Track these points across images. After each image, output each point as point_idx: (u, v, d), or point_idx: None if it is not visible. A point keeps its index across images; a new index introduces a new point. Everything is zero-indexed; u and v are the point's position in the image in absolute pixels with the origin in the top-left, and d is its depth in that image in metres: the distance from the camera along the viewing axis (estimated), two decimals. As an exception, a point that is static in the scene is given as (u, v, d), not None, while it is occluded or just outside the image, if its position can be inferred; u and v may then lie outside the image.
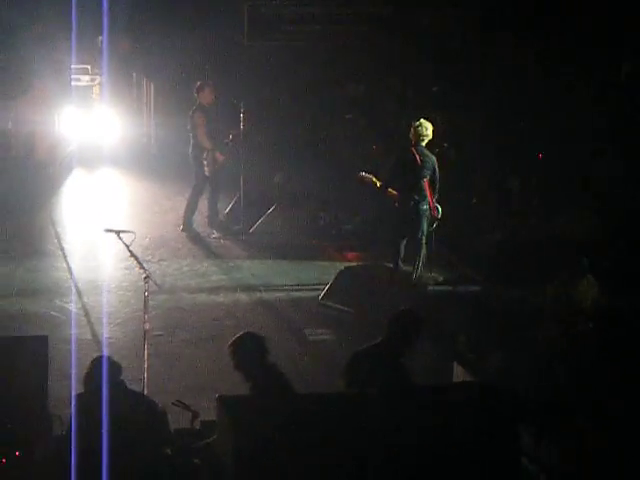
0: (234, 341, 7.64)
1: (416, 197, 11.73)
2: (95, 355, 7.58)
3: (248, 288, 12.32)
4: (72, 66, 16.94)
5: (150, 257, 12.89)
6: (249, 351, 7.53)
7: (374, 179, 11.92)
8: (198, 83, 14.11)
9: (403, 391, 7.06)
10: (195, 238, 14.01)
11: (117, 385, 7.20)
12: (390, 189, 11.85)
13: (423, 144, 11.83)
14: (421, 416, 6.56)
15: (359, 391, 7.27)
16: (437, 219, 11.86)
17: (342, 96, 16.24)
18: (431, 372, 9.23)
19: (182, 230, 14.08)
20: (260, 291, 12.25)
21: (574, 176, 13.17)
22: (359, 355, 7.53)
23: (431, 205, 11.80)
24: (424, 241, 11.84)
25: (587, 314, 9.67)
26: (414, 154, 11.75)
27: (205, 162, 13.89)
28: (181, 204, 14.33)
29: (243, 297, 12.05)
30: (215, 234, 14.16)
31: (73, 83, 17.04)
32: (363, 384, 7.24)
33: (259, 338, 7.68)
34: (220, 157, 13.88)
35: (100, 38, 17.29)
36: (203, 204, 14.31)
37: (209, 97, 13.96)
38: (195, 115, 13.90)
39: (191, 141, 13.97)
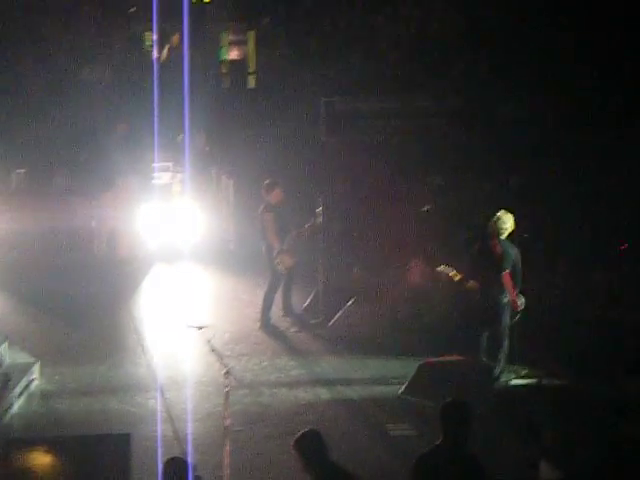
0: (296, 440, 7.55)
1: (497, 290, 11.64)
2: (172, 454, 7.55)
3: (328, 383, 12.25)
4: (154, 164, 17.28)
5: (230, 352, 12.92)
6: (311, 449, 7.45)
7: (453, 272, 11.88)
8: (266, 182, 14.17)
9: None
10: (274, 332, 14.02)
11: None
12: (470, 282, 11.79)
13: (503, 237, 11.79)
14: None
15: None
16: (519, 312, 11.73)
17: (419, 189, 16.27)
18: (516, 468, 9.02)
19: (260, 327, 14.11)
20: (340, 385, 12.16)
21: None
22: (423, 458, 7.33)
23: (513, 298, 11.69)
24: (506, 334, 11.71)
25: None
26: (494, 247, 11.70)
27: (277, 261, 13.97)
28: (259, 298, 14.39)
29: (323, 392, 11.98)
30: (294, 328, 14.16)
31: (155, 180, 17.36)
32: None
33: (319, 435, 7.57)
34: (289, 260, 13.92)
35: (181, 136, 17.65)
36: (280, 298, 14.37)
37: (278, 196, 14.04)
38: (264, 215, 13.99)
39: (262, 240, 14.07)
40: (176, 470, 7.14)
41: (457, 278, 11.84)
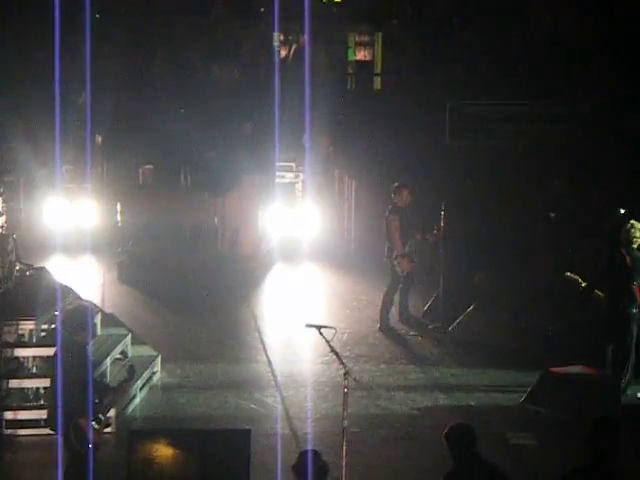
0: (447, 430, 7.56)
1: (625, 300, 11.37)
2: (290, 453, 7.58)
3: (446, 388, 12.14)
4: (277, 163, 17.40)
5: (348, 353, 12.91)
6: (459, 441, 7.40)
7: (579, 280, 11.64)
8: (396, 184, 14.16)
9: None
10: (393, 335, 13.96)
11: None
12: (597, 291, 11.54)
13: (634, 246, 11.52)
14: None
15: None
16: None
17: (544, 194, 16.02)
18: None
19: (379, 329, 14.08)
20: (458, 391, 12.04)
21: None
22: (571, 474, 7.09)
23: (640, 308, 11.41)
24: (633, 347, 11.42)
25: None
26: (624, 257, 11.44)
27: (396, 263, 13.92)
28: (378, 299, 14.35)
29: (442, 397, 11.87)
30: (413, 332, 14.08)
31: (277, 180, 17.49)
32: None
33: (469, 429, 7.51)
34: (407, 264, 13.85)
35: (304, 136, 17.74)
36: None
37: (406, 199, 14.01)
38: (390, 217, 13.97)
39: (386, 241, 14.05)
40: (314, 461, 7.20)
41: (583, 286, 11.59)
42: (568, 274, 11.71)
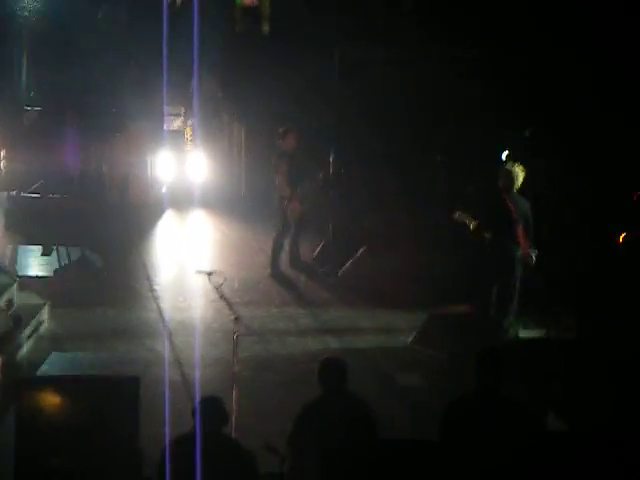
0: (320, 365, 7.65)
1: (509, 243, 11.61)
2: (179, 399, 7.55)
3: (337, 332, 12.27)
4: (166, 109, 17.17)
5: (239, 299, 12.92)
6: (331, 377, 7.53)
7: (469, 219, 11.83)
8: (281, 129, 14.14)
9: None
10: (283, 281, 14.01)
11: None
12: (484, 232, 11.77)
13: (515, 190, 11.73)
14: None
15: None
16: (531, 265, 11.70)
17: (432, 138, 16.16)
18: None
19: (270, 274, 14.11)
20: (349, 335, 12.17)
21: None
22: (455, 405, 7.31)
23: (525, 251, 11.65)
24: (517, 287, 11.69)
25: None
26: (506, 200, 11.65)
27: (286, 208, 13.95)
28: (269, 245, 14.37)
29: (332, 341, 12.00)
30: (303, 277, 14.15)
31: (166, 126, 17.27)
32: (462, 434, 7.06)
33: (342, 365, 7.62)
34: (298, 207, 13.89)
35: (193, 82, 17.54)
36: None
37: (292, 143, 14.00)
38: (277, 161, 13.96)
39: (274, 186, 14.05)
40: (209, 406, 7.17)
41: (473, 226, 11.78)
42: (458, 214, 11.87)
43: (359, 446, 7.16)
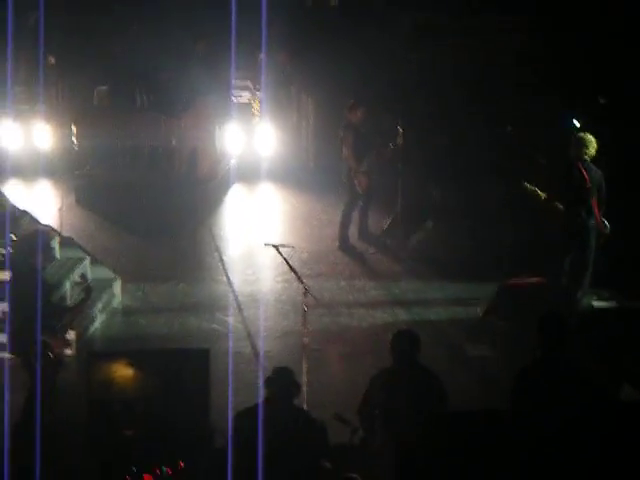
0: (392, 337, 7.67)
1: (583, 213, 11.47)
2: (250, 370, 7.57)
3: (406, 303, 12.24)
4: (233, 82, 17.20)
5: (308, 272, 12.92)
6: (403, 348, 7.55)
7: (539, 191, 11.70)
8: (351, 102, 14.08)
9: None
10: (352, 253, 13.99)
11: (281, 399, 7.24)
12: (556, 203, 11.63)
13: (588, 159, 11.57)
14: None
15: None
16: (605, 234, 11.55)
17: (501, 110, 15.97)
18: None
19: (338, 247, 14.09)
20: (418, 307, 12.13)
21: None
22: (526, 371, 7.25)
23: (598, 220, 11.50)
24: (591, 257, 11.55)
25: None
26: (580, 170, 11.50)
27: (355, 181, 13.90)
28: (338, 218, 14.34)
29: (401, 312, 11.98)
30: (372, 249, 14.12)
31: (234, 99, 17.30)
32: (530, 402, 7.00)
33: (415, 336, 7.63)
34: (365, 181, 13.83)
35: (260, 55, 17.53)
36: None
37: (360, 116, 13.93)
38: (344, 134, 13.91)
39: (344, 160, 14.02)
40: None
41: (543, 197, 11.65)
42: (527, 184, 11.74)
43: (430, 416, 7.14)
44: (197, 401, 8.27)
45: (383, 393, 7.48)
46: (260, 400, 7.28)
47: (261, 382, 7.36)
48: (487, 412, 7.07)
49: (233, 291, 12.48)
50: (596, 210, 11.50)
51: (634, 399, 7.83)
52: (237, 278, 12.87)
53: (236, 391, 8.78)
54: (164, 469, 7.63)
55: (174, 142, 16.42)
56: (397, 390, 7.45)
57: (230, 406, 7.90)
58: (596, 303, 11.70)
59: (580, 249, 11.59)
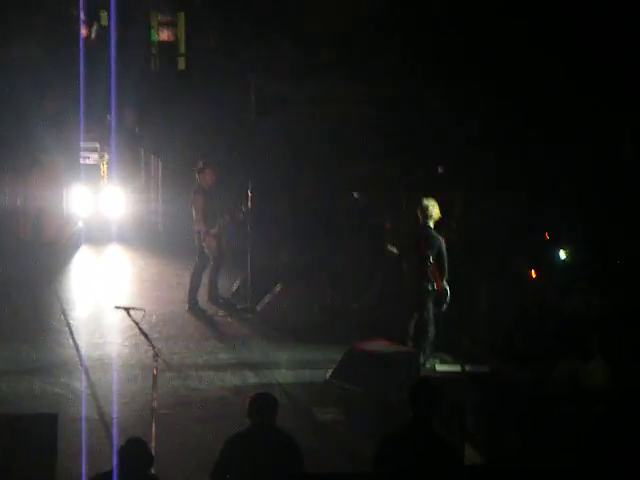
0: (250, 399, 7.69)
1: (422, 277, 11.79)
2: (98, 437, 7.45)
3: (255, 366, 12.27)
4: (81, 144, 17.07)
5: (158, 335, 12.84)
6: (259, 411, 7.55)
7: (396, 251, 12.05)
8: (199, 164, 14.17)
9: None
10: (202, 316, 13.99)
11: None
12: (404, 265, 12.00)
13: (430, 224, 11.94)
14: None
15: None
16: (444, 301, 11.89)
17: (349, 175, 16.35)
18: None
19: (188, 310, 14.08)
20: (267, 369, 12.19)
21: (584, 254, 13.23)
22: (390, 438, 7.34)
23: (438, 286, 11.84)
24: (431, 321, 11.88)
25: (598, 395, 9.62)
26: (420, 235, 11.87)
27: (204, 243, 13.95)
28: (188, 281, 14.34)
29: (250, 375, 12.00)
30: (221, 312, 14.15)
31: (82, 161, 17.16)
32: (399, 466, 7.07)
33: (271, 398, 7.70)
34: (214, 244, 13.91)
35: (109, 116, 17.49)
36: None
37: (210, 179, 14.03)
38: (195, 197, 13.98)
39: (194, 223, 14.06)
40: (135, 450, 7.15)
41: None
42: (389, 247, 12.07)
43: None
44: (44, 467, 8.09)
45: (238, 456, 7.48)
46: (114, 467, 7.17)
47: (113, 448, 7.23)
48: (345, 476, 7.14)
49: (80, 355, 12.28)
50: (435, 275, 11.82)
51: (475, 461, 8.06)
52: (84, 341, 12.67)
53: (82, 458, 8.63)
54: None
55: (19, 202, 16.15)
56: (253, 454, 7.46)
57: (83, 474, 7.77)
58: (439, 367, 11.99)
59: (420, 313, 11.91)
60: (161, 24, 20.49)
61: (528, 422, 8.93)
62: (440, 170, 15.48)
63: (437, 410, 7.22)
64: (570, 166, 14.03)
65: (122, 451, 7.18)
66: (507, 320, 12.76)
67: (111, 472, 7.12)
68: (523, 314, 12.88)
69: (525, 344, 11.89)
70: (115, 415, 10.51)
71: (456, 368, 11.84)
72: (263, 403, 7.65)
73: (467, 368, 11.77)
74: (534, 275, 13.37)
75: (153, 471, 8.22)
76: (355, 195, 15.42)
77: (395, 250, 12.08)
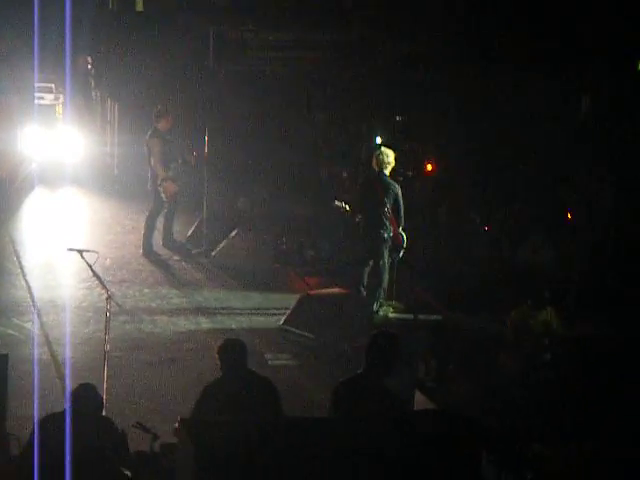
0: (219, 347, 7.72)
1: (378, 225, 11.82)
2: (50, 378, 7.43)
3: (209, 312, 12.29)
4: (36, 84, 16.86)
5: (111, 278, 12.81)
6: (231, 357, 7.61)
7: (345, 205, 12.04)
8: (157, 108, 14.02)
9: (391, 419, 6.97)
10: (156, 261, 13.95)
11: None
12: (357, 215, 11.99)
13: (386, 172, 11.96)
14: (384, 444, 6.55)
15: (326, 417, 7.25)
16: (401, 247, 11.94)
17: (307, 121, 16.31)
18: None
19: (142, 254, 14.03)
20: (221, 315, 12.21)
21: (539, 207, 13.35)
22: (344, 385, 7.41)
23: (394, 233, 11.88)
24: (386, 269, 11.93)
25: (546, 344, 9.76)
26: (376, 182, 11.88)
27: (160, 188, 13.86)
28: (142, 225, 14.27)
29: (204, 321, 12.01)
30: (176, 257, 14.12)
31: (37, 102, 16.96)
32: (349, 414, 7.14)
33: (241, 345, 7.73)
34: (172, 188, 13.82)
35: (65, 57, 17.25)
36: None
37: (167, 123, 13.90)
38: (151, 141, 13.84)
39: (149, 167, 13.94)
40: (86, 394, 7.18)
41: (348, 210, 12.00)
42: (336, 202, 12.07)
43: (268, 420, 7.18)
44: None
45: (215, 404, 7.47)
46: (66, 409, 7.17)
47: (65, 389, 7.24)
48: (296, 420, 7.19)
49: (32, 296, 12.22)
50: (392, 222, 11.86)
51: (423, 407, 8.16)
52: (37, 283, 12.60)
53: (33, 398, 8.63)
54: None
55: (-28, 142, 15.97)
56: (233, 399, 7.44)
57: (35, 415, 7.76)
58: (392, 314, 12.08)
59: (375, 260, 11.95)
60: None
61: (475, 370, 9.04)
62: (398, 119, 15.48)
63: (389, 362, 7.30)
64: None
65: (73, 395, 7.20)
66: (460, 269, 12.88)
67: (62, 413, 7.12)
68: (476, 263, 13.01)
69: (477, 293, 12.00)
70: (67, 357, 10.50)
71: (408, 316, 11.93)
72: (236, 347, 7.70)
73: (419, 316, 11.87)
74: (488, 227, 13.49)
75: (104, 413, 8.27)
76: (319, 142, 15.42)
77: (343, 205, 12.05)
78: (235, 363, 7.62)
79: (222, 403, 7.44)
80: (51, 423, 7.16)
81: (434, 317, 11.93)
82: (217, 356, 7.68)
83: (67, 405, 7.16)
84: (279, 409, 7.64)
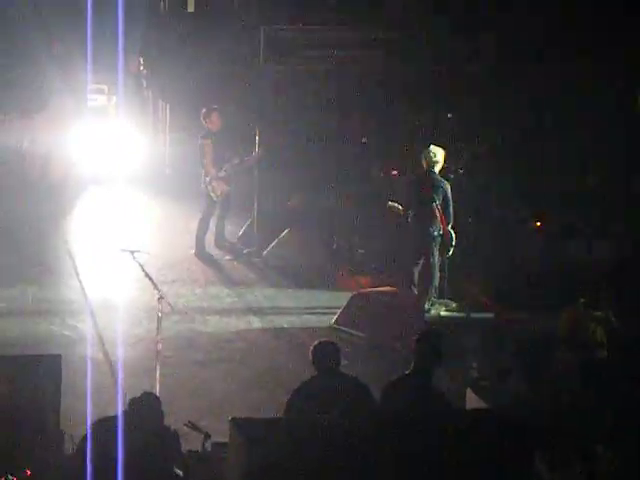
0: (313, 347, 7.77)
1: (428, 223, 11.78)
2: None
3: (260, 311, 12.32)
4: (88, 86, 17.01)
5: (163, 278, 12.86)
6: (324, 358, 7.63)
7: (399, 206, 12.02)
8: (204, 109, 14.08)
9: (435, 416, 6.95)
10: (208, 260, 14.01)
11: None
12: (409, 213, 11.98)
13: (435, 170, 11.92)
14: (432, 444, 6.52)
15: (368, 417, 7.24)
16: (451, 245, 11.88)
17: (357, 121, 16.25)
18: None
19: (194, 254, 14.08)
20: (272, 314, 12.24)
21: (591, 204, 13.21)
22: (393, 385, 7.39)
23: (444, 231, 11.83)
24: (436, 267, 11.88)
25: (602, 342, 9.63)
26: (425, 180, 11.85)
27: (210, 187, 13.90)
28: (194, 225, 14.34)
29: (255, 320, 12.05)
30: (228, 257, 14.17)
31: (89, 103, 17.11)
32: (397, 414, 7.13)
33: (335, 347, 7.76)
34: (223, 187, 13.86)
35: (117, 58, 17.37)
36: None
37: (217, 123, 13.94)
38: (202, 141, 13.89)
39: (201, 167, 14.01)
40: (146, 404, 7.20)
41: (401, 211, 12.00)
42: (390, 203, 12.06)
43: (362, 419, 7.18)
44: (48, 408, 8.15)
45: (308, 403, 7.49)
46: (119, 414, 7.20)
47: (117, 390, 7.27)
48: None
49: (86, 297, 12.33)
50: (441, 220, 11.80)
51: (476, 406, 8.10)
52: (90, 283, 12.71)
53: (86, 398, 8.71)
54: (9, 477, 7.50)
55: (26, 144, 16.13)
56: (325, 400, 7.45)
57: (89, 412, 7.83)
58: (444, 313, 12.02)
59: (425, 259, 11.91)
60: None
61: (529, 369, 8.94)
62: (449, 117, 15.37)
63: (438, 361, 7.28)
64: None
65: (133, 403, 7.21)
66: (512, 268, 12.77)
67: (115, 417, 7.14)
68: (527, 262, 12.89)
69: (529, 291, 11.89)
70: (120, 356, 10.58)
71: (460, 314, 11.86)
72: (328, 349, 7.72)
73: (471, 315, 11.80)
74: (539, 224, 13.36)
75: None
76: (364, 140, 15.36)
77: (397, 206, 12.02)
78: (329, 364, 7.62)
79: (315, 403, 7.44)
80: (105, 427, 7.18)
81: (487, 315, 11.85)
82: (310, 357, 7.66)
83: (121, 409, 7.18)
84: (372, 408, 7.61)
